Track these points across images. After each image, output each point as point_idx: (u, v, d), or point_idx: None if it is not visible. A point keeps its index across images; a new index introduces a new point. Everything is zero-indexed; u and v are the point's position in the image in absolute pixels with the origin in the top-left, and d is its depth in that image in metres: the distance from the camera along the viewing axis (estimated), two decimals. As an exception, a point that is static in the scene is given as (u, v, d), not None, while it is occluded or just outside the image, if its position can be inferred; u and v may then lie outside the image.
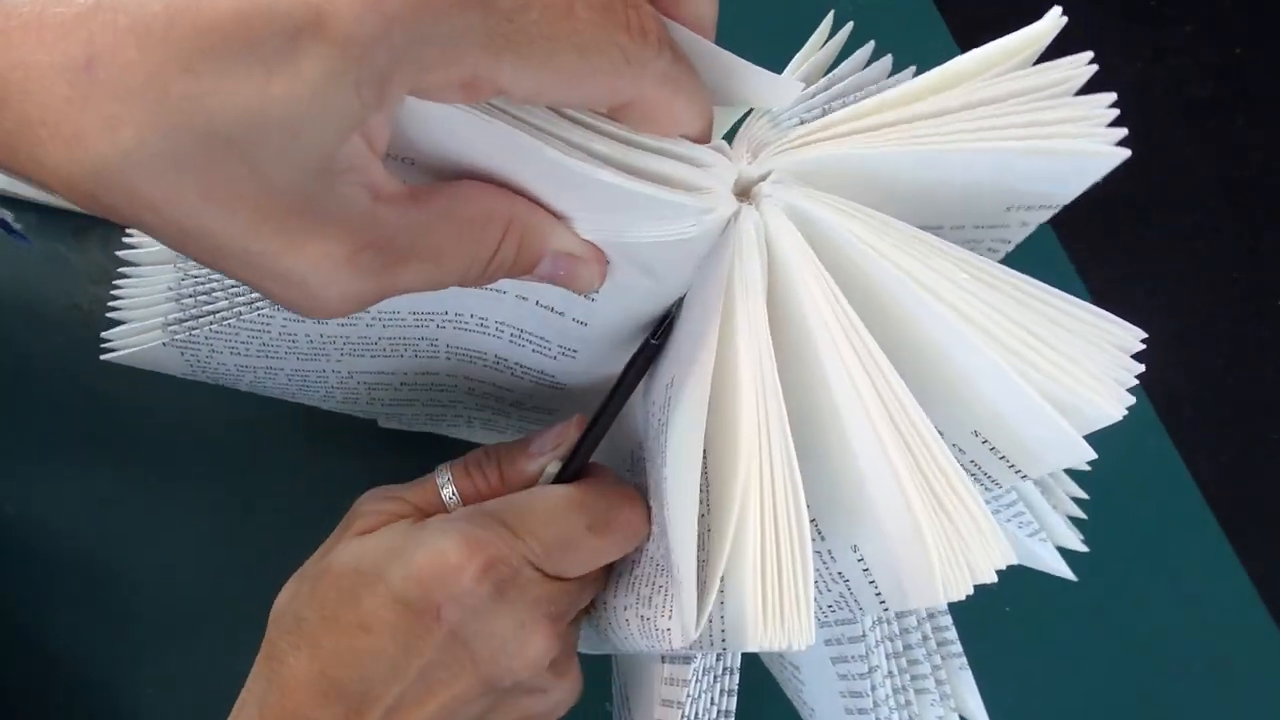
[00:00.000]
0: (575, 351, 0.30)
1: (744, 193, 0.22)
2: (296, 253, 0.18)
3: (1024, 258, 0.24)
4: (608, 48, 0.19)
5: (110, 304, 0.31)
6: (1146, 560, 0.49)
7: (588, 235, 0.23)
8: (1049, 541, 0.32)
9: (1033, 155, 0.21)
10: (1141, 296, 1.22)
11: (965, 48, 0.22)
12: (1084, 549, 0.33)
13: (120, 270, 0.31)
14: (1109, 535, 0.48)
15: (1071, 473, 0.34)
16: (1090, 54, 0.21)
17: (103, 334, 0.31)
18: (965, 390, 0.21)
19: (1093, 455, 0.21)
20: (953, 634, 0.30)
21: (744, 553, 0.20)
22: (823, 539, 0.23)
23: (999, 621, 0.35)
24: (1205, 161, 1.33)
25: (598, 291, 0.25)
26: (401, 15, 0.16)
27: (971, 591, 0.21)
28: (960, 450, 0.23)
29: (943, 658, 0.30)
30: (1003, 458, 0.22)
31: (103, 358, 0.31)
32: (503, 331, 0.30)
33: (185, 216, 0.17)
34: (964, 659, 0.30)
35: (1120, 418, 0.20)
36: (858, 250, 0.21)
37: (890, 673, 0.29)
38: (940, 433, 0.21)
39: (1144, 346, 0.21)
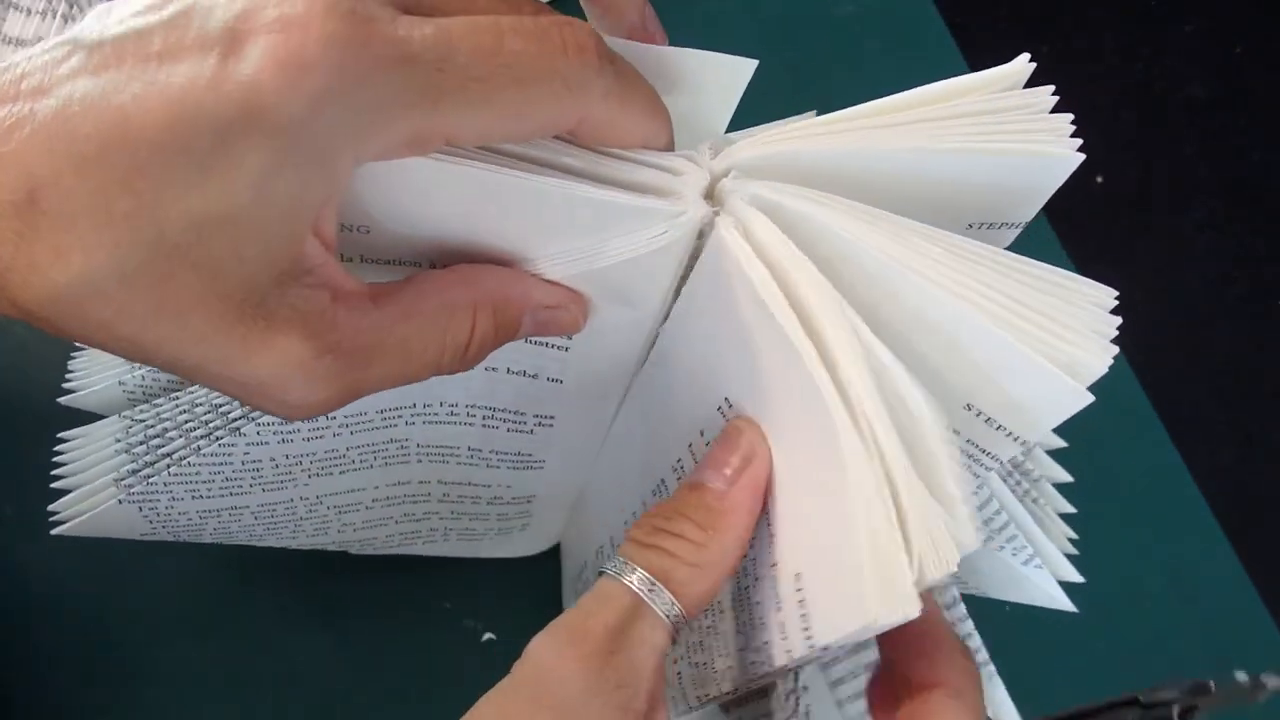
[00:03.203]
0: (552, 418, 0.29)
1: (711, 196, 0.21)
2: (255, 358, 0.18)
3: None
4: (547, 75, 0.18)
5: (53, 473, 0.30)
6: (1146, 560, 0.49)
7: (559, 276, 0.22)
8: (1045, 568, 0.31)
9: (990, 155, 0.21)
10: (1141, 296, 1.22)
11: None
12: (1080, 579, 0.32)
13: (59, 436, 0.30)
14: (1109, 535, 0.48)
15: (1069, 471, 0.33)
16: (1051, 87, 0.21)
17: (49, 506, 0.30)
18: (952, 361, 0.21)
19: (1090, 399, 0.20)
20: (977, 640, 0.27)
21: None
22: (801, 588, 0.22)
23: (998, 621, 0.35)
24: (1205, 161, 1.33)
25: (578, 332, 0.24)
26: (326, 90, 0.16)
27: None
28: (955, 432, 0.22)
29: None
30: (999, 427, 0.22)
31: (54, 532, 0.30)
32: (474, 416, 0.29)
33: (139, 332, 0.17)
34: (992, 666, 0.28)
35: (1105, 370, 0.20)
36: (828, 231, 0.20)
37: None
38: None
39: (1117, 303, 0.21)
